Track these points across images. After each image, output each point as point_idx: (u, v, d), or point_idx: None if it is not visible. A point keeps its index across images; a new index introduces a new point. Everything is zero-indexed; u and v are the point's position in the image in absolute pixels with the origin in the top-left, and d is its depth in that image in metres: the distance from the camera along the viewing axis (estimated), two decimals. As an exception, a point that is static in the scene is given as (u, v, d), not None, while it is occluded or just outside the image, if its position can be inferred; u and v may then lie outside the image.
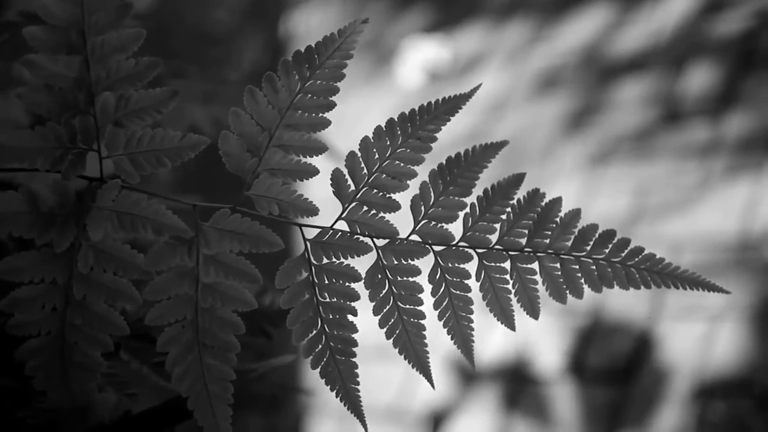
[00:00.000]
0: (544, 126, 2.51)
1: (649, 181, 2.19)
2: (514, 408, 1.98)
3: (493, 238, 0.54)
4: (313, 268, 0.53)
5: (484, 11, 3.05)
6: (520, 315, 0.55)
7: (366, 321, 0.55)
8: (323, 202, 0.56)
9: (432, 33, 3.08)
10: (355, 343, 0.53)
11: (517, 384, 2.02)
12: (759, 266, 1.87)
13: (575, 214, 0.53)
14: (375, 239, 0.54)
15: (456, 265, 0.54)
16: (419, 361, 0.54)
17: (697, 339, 1.85)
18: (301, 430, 2.27)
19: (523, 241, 0.54)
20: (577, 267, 0.54)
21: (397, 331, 0.54)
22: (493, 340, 2.07)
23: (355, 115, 2.80)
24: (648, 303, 1.95)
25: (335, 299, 0.53)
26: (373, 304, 0.54)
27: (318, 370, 0.53)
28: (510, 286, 0.54)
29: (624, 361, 1.91)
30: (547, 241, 0.54)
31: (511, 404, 1.99)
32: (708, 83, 2.30)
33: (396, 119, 0.53)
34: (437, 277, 0.54)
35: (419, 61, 2.96)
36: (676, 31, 2.50)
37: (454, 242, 0.54)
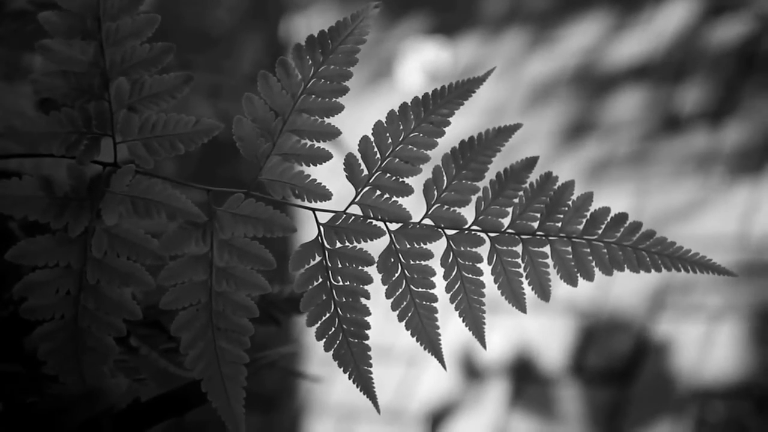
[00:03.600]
0: (542, 134, 2.52)
1: (648, 187, 2.19)
2: (514, 407, 1.99)
3: (506, 221, 0.54)
4: (326, 252, 0.53)
5: (482, 18, 3.06)
6: (519, 315, 0.55)
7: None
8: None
9: (432, 35, 3.08)
10: (367, 326, 0.53)
11: (518, 383, 2.02)
12: (758, 269, 1.88)
13: (587, 197, 0.54)
14: (388, 223, 0.54)
15: (468, 248, 0.54)
16: (431, 343, 0.54)
17: (696, 340, 1.85)
18: (299, 429, 2.26)
19: (535, 224, 0.54)
20: (589, 250, 0.54)
21: (410, 314, 0.54)
22: (494, 340, 2.07)
23: (356, 117, 2.80)
24: (648, 303, 1.96)
25: (348, 283, 0.53)
26: (386, 287, 0.54)
27: (331, 353, 0.53)
28: (521, 270, 0.54)
29: (624, 361, 1.91)
30: (559, 224, 0.54)
31: (511, 403, 2.00)
32: (707, 89, 2.30)
33: (409, 104, 0.53)
34: (449, 260, 0.54)
35: (420, 62, 2.96)
36: (675, 38, 2.51)
37: (466, 226, 0.54)
